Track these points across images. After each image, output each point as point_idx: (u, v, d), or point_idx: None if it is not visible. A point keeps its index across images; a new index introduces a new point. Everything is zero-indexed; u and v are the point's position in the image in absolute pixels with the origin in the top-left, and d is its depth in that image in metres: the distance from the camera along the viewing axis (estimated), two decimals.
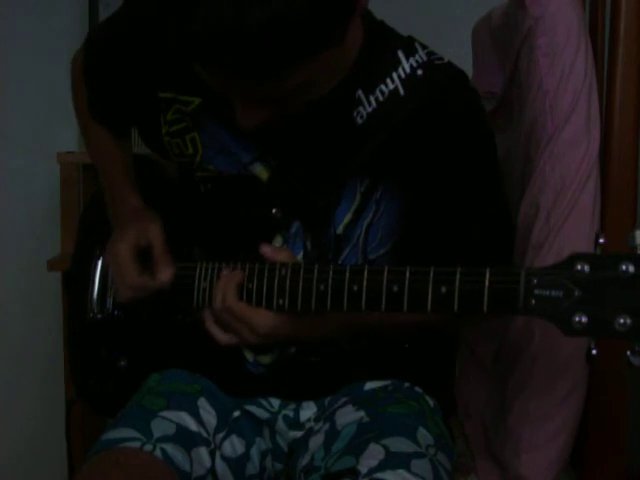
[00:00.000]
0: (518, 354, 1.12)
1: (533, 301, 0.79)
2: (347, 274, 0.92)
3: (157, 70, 1.13)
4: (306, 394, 1.16)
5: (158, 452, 1.01)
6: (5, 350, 2.10)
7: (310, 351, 1.14)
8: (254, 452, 1.14)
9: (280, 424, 1.15)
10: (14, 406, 2.13)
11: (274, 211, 1.11)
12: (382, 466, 0.96)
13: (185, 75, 1.02)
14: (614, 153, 1.09)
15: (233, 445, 1.12)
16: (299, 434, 1.15)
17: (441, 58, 1.06)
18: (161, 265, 1.11)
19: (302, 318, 1.00)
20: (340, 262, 1.11)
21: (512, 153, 1.24)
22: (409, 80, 1.04)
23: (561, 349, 1.05)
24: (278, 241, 1.12)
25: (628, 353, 0.75)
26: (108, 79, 1.22)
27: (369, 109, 1.04)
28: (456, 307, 0.84)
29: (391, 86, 1.04)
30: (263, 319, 0.99)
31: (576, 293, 0.76)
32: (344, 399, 1.14)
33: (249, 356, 1.16)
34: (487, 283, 0.82)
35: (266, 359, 1.16)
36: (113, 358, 1.27)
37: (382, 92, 1.04)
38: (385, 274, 0.89)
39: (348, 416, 1.10)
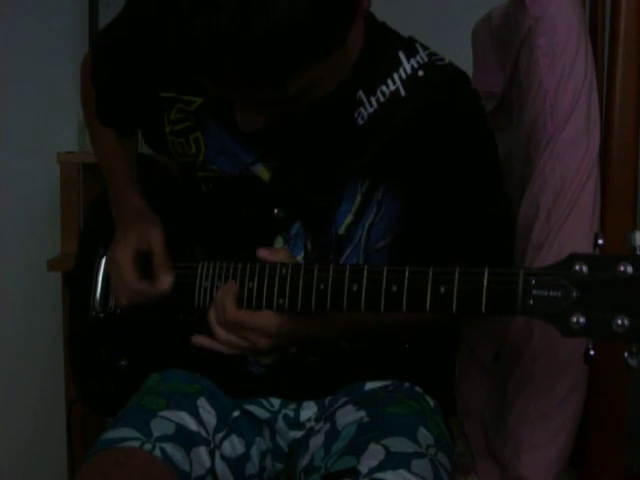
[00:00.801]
0: (518, 354, 1.12)
1: (531, 301, 0.79)
2: (347, 273, 0.92)
3: (158, 70, 1.13)
4: (306, 394, 1.16)
5: (158, 452, 1.01)
6: (5, 350, 2.10)
7: (310, 351, 1.14)
8: (254, 452, 1.14)
9: (280, 424, 1.15)
10: (14, 406, 2.13)
11: (276, 211, 1.12)
12: (382, 466, 0.96)
13: (186, 76, 1.02)
14: (614, 153, 1.09)
15: (233, 445, 1.12)
16: (299, 434, 1.15)
17: (442, 59, 1.06)
18: (161, 272, 1.11)
19: (303, 317, 1.00)
20: (342, 262, 1.12)
21: (512, 153, 1.24)
22: (410, 81, 1.04)
23: (561, 349, 1.05)
24: (279, 242, 1.13)
25: (625, 354, 0.75)
26: (113, 81, 1.23)
27: (370, 110, 1.05)
28: (454, 307, 0.84)
29: (392, 87, 1.04)
30: (266, 319, 0.99)
31: (574, 294, 0.76)
32: (344, 399, 1.14)
33: (249, 356, 1.16)
34: (485, 283, 0.82)
35: (266, 359, 1.16)
36: (113, 358, 1.27)
37: (383, 93, 1.04)
38: (384, 274, 0.89)
39: (348, 416, 1.10)
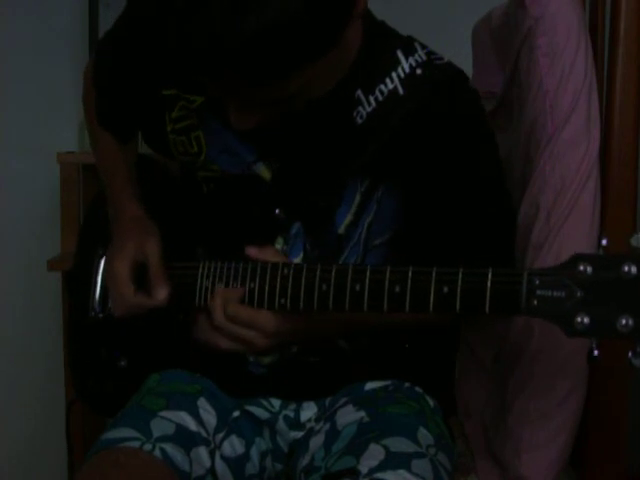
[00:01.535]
0: (518, 354, 1.11)
1: (535, 302, 0.79)
2: (349, 273, 0.92)
3: (159, 69, 1.13)
4: (307, 394, 1.16)
5: (157, 452, 1.01)
6: (5, 350, 2.10)
7: (310, 351, 1.14)
8: (254, 452, 1.14)
9: (280, 424, 1.15)
10: (14, 406, 2.13)
11: (277, 211, 1.12)
12: (382, 466, 0.96)
13: (186, 75, 1.03)
14: (614, 153, 1.09)
15: (233, 445, 1.12)
16: (299, 434, 1.15)
17: (441, 58, 1.06)
18: (156, 284, 1.12)
19: (302, 316, 1.00)
20: (341, 261, 1.12)
21: (512, 153, 1.24)
22: (408, 80, 1.04)
23: (561, 349, 1.05)
24: (279, 242, 1.13)
25: (629, 354, 0.75)
26: (115, 82, 1.23)
27: (369, 109, 1.05)
28: (458, 307, 0.84)
29: (390, 86, 1.04)
30: (266, 318, 1.00)
31: (578, 294, 0.76)
32: (344, 399, 1.14)
33: (250, 356, 1.16)
34: (489, 283, 0.82)
35: (267, 359, 1.16)
36: (113, 358, 1.27)
37: (381, 92, 1.04)
38: (387, 274, 0.89)
39: (348, 416, 1.10)
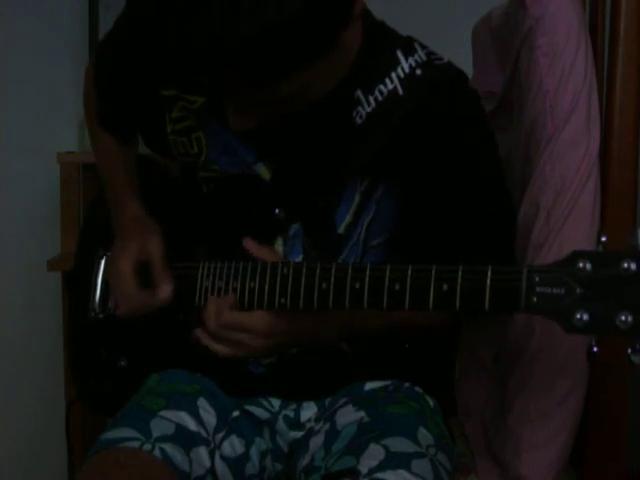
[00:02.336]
0: (518, 353, 1.11)
1: (535, 299, 0.79)
2: (349, 272, 0.92)
3: (159, 69, 1.13)
4: (306, 394, 1.16)
5: (157, 452, 1.01)
6: (5, 350, 2.10)
7: (310, 351, 1.14)
8: (254, 452, 1.14)
9: (280, 424, 1.15)
10: (14, 406, 2.13)
11: (277, 211, 1.12)
12: (382, 466, 0.96)
13: (186, 75, 1.03)
14: (614, 153, 1.09)
15: (232, 445, 1.12)
16: (299, 434, 1.15)
17: (441, 58, 1.06)
18: (160, 283, 1.12)
19: (298, 316, 1.00)
20: (341, 261, 1.11)
21: (512, 153, 1.24)
22: (408, 80, 1.04)
23: (561, 348, 1.05)
24: (279, 242, 1.13)
25: (629, 351, 0.75)
26: (115, 83, 1.23)
27: (368, 109, 1.05)
28: (458, 304, 0.84)
29: (390, 86, 1.04)
30: (258, 319, 1.01)
31: (578, 291, 0.77)
32: (344, 399, 1.14)
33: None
34: (489, 281, 0.82)
35: (266, 359, 1.15)
36: (113, 358, 1.27)
37: (381, 92, 1.04)
38: (387, 272, 0.89)
39: (348, 416, 1.10)
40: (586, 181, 1.08)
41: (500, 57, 1.36)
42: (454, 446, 1.17)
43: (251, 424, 1.15)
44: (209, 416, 1.12)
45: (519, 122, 1.22)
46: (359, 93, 1.04)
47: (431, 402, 1.15)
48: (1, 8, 1.99)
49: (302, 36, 0.84)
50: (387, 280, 0.89)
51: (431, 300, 0.86)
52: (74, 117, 1.97)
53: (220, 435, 1.12)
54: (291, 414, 1.16)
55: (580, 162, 1.08)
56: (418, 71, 1.04)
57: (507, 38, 1.27)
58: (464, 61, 1.15)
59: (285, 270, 0.98)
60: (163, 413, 1.08)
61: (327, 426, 1.11)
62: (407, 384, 1.16)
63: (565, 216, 1.08)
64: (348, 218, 1.10)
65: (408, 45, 1.06)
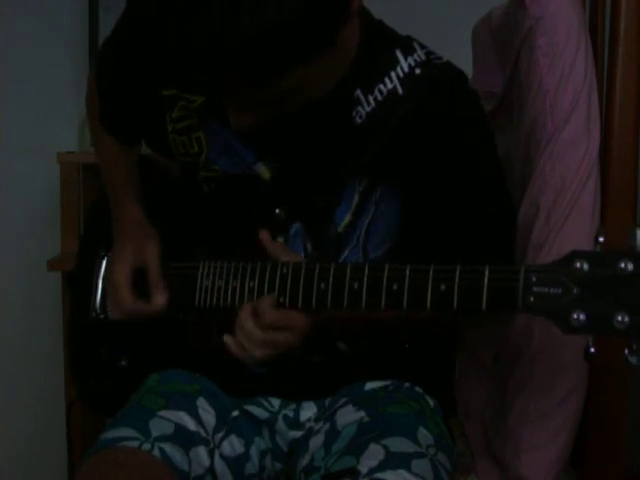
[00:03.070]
0: (518, 354, 1.11)
1: (532, 298, 0.79)
2: (348, 272, 0.92)
3: (159, 69, 1.13)
4: (306, 394, 1.16)
5: (156, 451, 1.01)
6: (5, 350, 2.10)
7: (311, 351, 1.14)
8: (253, 452, 1.14)
9: (280, 424, 1.15)
10: (14, 406, 2.13)
11: (277, 211, 1.12)
12: (382, 466, 0.96)
13: (187, 75, 1.03)
14: (614, 153, 1.09)
15: (232, 445, 1.12)
16: (299, 434, 1.15)
17: (440, 57, 1.06)
18: (156, 291, 1.12)
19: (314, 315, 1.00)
20: (341, 262, 1.11)
21: (512, 153, 1.24)
22: (407, 79, 1.04)
23: (561, 349, 1.05)
24: (280, 242, 1.13)
25: (626, 352, 0.75)
26: (117, 86, 1.23)
27: (368, 109, 1.04)
28: (455, 304, 0.84)
29: (389, 85, 1.04)
30: (300, 316, 0.99)
31: (575, 291, 0.77)
32: (344, 399, 1.14)
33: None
34: (486, 280, 0.82)
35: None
36: (113, 358, 1.27)
37: (381, 92, 1.04)
38: (385, 272, 0.89)
39: (348, 416, 1.10)
40: (586, 181, 1.08)
41: (500, 57, 1.36)
42: (454, 446, 1.17)
43: (250, 424, 1.15)
44: (208, 416, 1.12)
45: (519, 122, 1.22)
46: (359, 93, 1.04)
47: (431, 402, 1.15)
48: (1, 8, 1.99)
49: (302, 35, 0.84)
50: (385, 280, 0.89)
51: (429, 300, 0.86)
52: (74, 117, 1.97)
53: (219, 435, 1.12)
54: (291, 414, 1.16)
55: (580, 162, 1.08)
56: (417, 70, 1.04)
57: (507, 38, 1.27)
58: (464, 61, 1.15)
59: (284, 270, 0.98)
60: (162, 413, 1.08)
61: (327, 426, 1.11)
62: (407, 384, 1.16)
63: (565, 216, 1.08)
64: (348, 218, 1.10)
65: (407, 44, 1.06)
